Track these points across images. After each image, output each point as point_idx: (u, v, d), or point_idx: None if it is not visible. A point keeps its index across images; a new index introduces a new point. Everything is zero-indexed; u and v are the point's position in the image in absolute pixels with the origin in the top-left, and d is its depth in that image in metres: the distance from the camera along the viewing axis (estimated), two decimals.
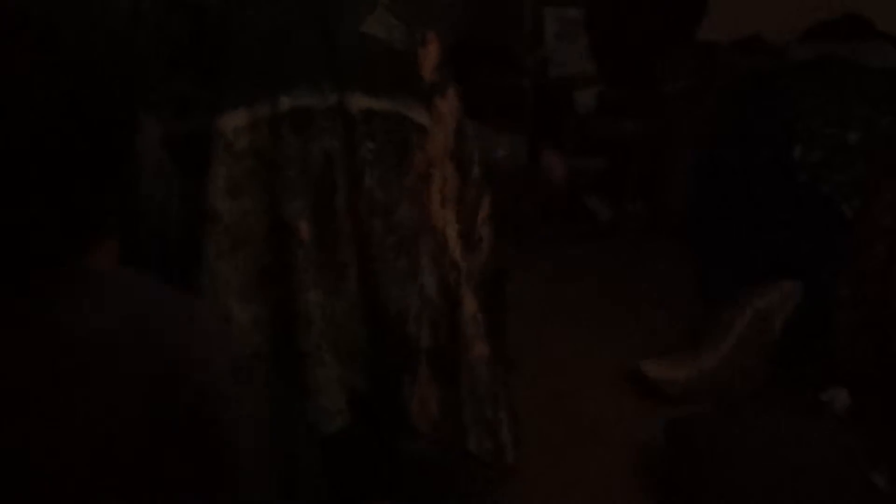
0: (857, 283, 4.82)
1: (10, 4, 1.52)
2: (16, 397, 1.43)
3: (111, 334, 1.50)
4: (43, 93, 1.49)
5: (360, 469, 3.55)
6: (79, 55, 1.59)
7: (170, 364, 1.47)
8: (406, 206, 3.23)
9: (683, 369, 4.70)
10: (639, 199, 7.09)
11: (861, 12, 6.37)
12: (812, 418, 4.17)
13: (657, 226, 6.89)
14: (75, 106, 1.54)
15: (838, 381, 4.71)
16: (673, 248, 6.41)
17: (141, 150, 3.76)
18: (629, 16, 6.83)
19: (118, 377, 1.47)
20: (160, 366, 1.48)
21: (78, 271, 1.55)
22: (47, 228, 1.52)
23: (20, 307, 1.49)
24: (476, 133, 3.48)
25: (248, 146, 3.16)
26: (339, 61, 3.21)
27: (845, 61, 6.06)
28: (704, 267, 5.99)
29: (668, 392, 4.65)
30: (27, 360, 1.47)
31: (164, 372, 1.47)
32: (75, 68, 1.57)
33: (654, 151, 6.91)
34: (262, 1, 3.23)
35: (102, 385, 1.46)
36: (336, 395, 3.27)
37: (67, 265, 1.55)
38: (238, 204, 3.19)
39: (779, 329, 4.81)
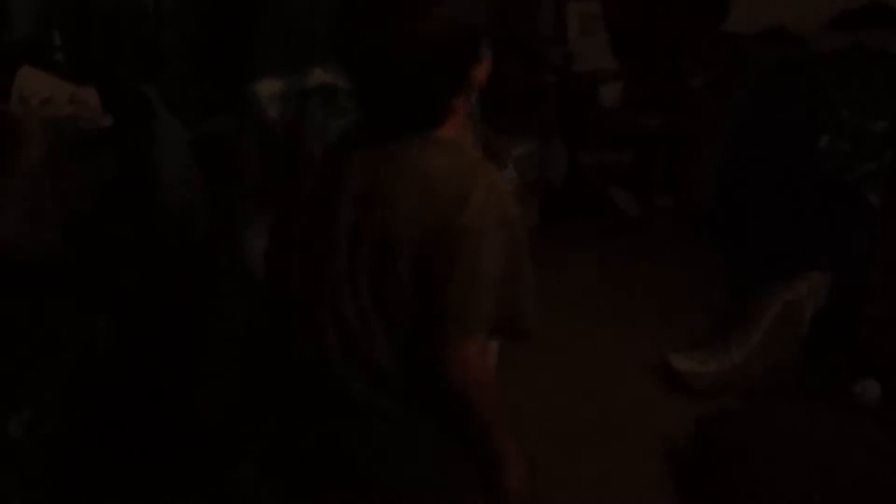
0: (886, 273, 4.79)
1: None
2: (386, 197, 2.37)
3: (437, 172, 2.32)
4: None
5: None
6: None
7: (462, 199, 2.29)
8: None
9: (713, 363, 4.68)
10: (666, 193, 7.07)
11: (885, 1, 6.33)
12: (843, 411, 4.15)
13: (685, 219, 6.88)
14: None
15: (868, 373, 4.69)
16: (700, 241, 6.40)
17: (167, 155, 3.79)
18: (648, 10, 6.80)
19: (435, 195, 2.30)
20: (458, 198, 2.29)
21: (432, 136, 2.39)
22: (428, 111, 2.37)
23: (396, 150, 2.38)
24: (496, 130, 3.50)
25: (279, 116, 3.33)
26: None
27: (871, 50, 6.02)
28: (732, 260, 5.98)
29: (697, 386, 4.64)
30: (392, 178, 2.37)
31: (459, 201, 2.28)
32: None
33: (681, 145, 6.88)
34: None
35: (426, 197, 2.31)
36: None
37: (427, 132, 2.39)
38: (268, 169, 3.37)
39: (808, 321, 4.78)
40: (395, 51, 2.28)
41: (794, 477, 3.59)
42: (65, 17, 4.56)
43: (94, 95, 3.75)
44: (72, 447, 3.62)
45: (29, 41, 4.31)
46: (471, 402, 2.38)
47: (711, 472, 3.88)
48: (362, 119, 2.52)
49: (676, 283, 5.83)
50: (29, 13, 4.41)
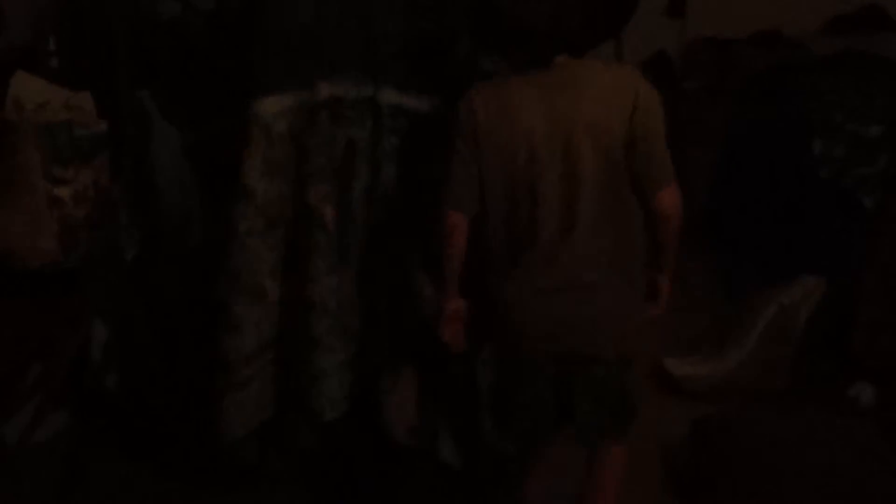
0: (881, 277, 4.79)
1: None
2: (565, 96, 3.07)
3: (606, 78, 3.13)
4: None
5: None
6: None
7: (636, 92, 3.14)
8: (418, 202, 3.35)
9: (708, 366, 4.69)
10: None
11: (881, 4, 6.34)
12: (837, 415, 4.15)
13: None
14: None
15: (863, 376, 4.70)
16: (696, 245, 6.40)
17: (162, 161, 3.79)
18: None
19: (609, 98, 3.07)
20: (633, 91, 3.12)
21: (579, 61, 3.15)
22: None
23: (565, 68, 3.10)
24: None
25: (287, 130, 3.32)
26: (376, 56, 3.36)
27: (866, 54, 6.03)
28: (727, 264, 5.98)
29: (692, 389, 4.65)
30: (560, 84, 3.08)
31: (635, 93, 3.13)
32: None
33: (675, 149, 6.88)
34: None
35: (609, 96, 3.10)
36: (342, 382, 3.42)
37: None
38: (273, 185, 3.35)
39: (803, 325, 4.79)
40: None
41: (790, 480, 3.59)
42: (60, 22, 4.56)
43: (90, 101, 3.75)
44: (68, 451, 3.63)
45: (24, 47, 4.31)
46: (676, 226, 3.35)
47: (708, 476, 3.88)
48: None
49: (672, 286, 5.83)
50: (24, 19, 4.40)
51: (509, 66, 3.26)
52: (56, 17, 4.56)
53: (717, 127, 6.58)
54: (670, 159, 3.30)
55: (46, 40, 4.33)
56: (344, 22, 3.36)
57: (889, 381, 4.67)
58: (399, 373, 3.51)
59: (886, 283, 4.79)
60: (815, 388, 4.70)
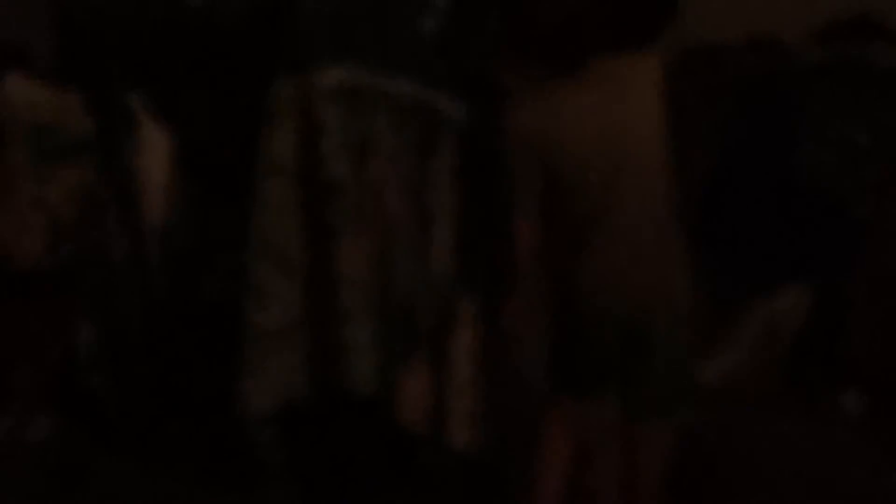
0: (870, 285, 4.80)
1: None
2: None
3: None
4: None
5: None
6: None
7: None
8: (431, 193, 3.43)
9: (697, 375, 4.69)
10: None
11: (872, 13, 6.35)
12: (827, 422, 4.15)
13: None
14: None
15: (853, 384, 4.70)
16: (688, 250, 6.40)
17: (149, 163, 3.79)
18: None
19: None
20: None
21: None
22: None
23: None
24: None
25: (309, 108, 3.39)
26: (391, 48, 3.44)
27: (856, 63, 6.04)
28: (718, 269, 5.98)
29: None
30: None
31: None
32: None
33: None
34: None
35: None
36: (371, 357, 3.46)
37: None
38: (304, 159, 3.41)
39: (792, 332, 4.79)
40: None
41: (778, 485, 3.59)
42: (49, 24, 4.56)
43: (77, 102, 3.75)
44: (56, 450, 3.63)
45: (14, 48, 4.30)
46: None
47: (695, 480, 3.88)
48: None
49: None
50: (13, 20, 4.40)
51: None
52: (45, 17, 4.56)
53: (709, 132, 6.59)
54: None
55: (35, 41, 4.33)
56: (359, 11, 3.45)
57: (878, 389, 4.67)
58: (412, 359, 3.52)
59: (876, 291, 4.80)
60: (804, 394, 4.71)
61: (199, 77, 4.09)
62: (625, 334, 3.26)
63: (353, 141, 3.41)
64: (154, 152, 3.81)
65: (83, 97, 3.79)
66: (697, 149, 6.54)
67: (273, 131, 3.41)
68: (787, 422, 4.14)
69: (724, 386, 4.66)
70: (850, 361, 4.81)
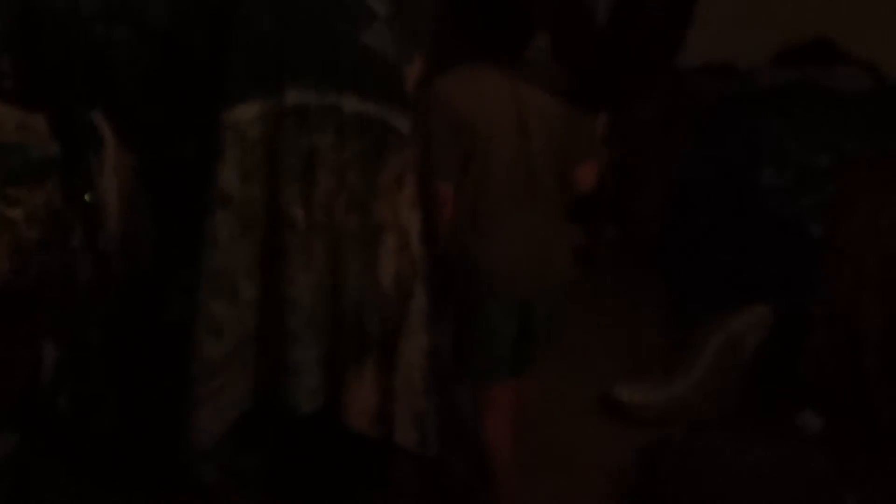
0: (828, 305, 4.84)
1: None
2: None
3: None
4: None
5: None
6: None
7: None
8: (380, 204, 3.50)
9: (656, 394, 4.72)
10: (612, 225, 7.11)
11: (830, 37, 6.41)
12: (785, 442, 4.18)
13: (630, 251, 6.92)
14: None
15: (811, 404, 4.74)
16: (645, 273, 6.44)
17: (115, 183, 3.79)
18: (601, 47, 6.81)
19: None
20: None
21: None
22: None
23: None
24: None
25: (259, 135, 3.43)
26: (338, 64, 3.48)
27: (815, 85, 6.09)
28: (676, 292, 6.02)
29: (641, 416, 4.67)
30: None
31: None
32: None
33: (627, 177, 6.92)
34: (268, 3, 3.48)
35: None
36: (315, 375, 3.53)
37: None
38: (247, 189, 3.46)
39: (751, 352, 4.83)
40: None
41: None
42: (13, 43, 4.54)
43: (43, 123, 3.73)
44: (17, 472, 3.62)
45: None
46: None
47: (656, 502, 3.90)
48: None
49: (620, 314, 5.87)
50: None
51: None
52: (9, 37, 4.55)
53: (669, 155, 6.63)
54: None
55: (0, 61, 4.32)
56: (304, 30, 3.48)
57: (836, 409, 4.71)
58: (363, 365, 3.58)
59: (834, 312, 4.84)
60: (762, 415, 4.74)
61: (160, 98, 4.12)
62: (515, 315, 3.83)
63: (301, 160, 3.47)
64: (118, 173, 3.81)
65: (48, 117, 3.78)
66: (658, 171, 6.59)
67: (219, 162, 3.45)
68: (745, 442, 4.16)
69: (684, 406, 4.69)
70: (808, 381, 4.85)
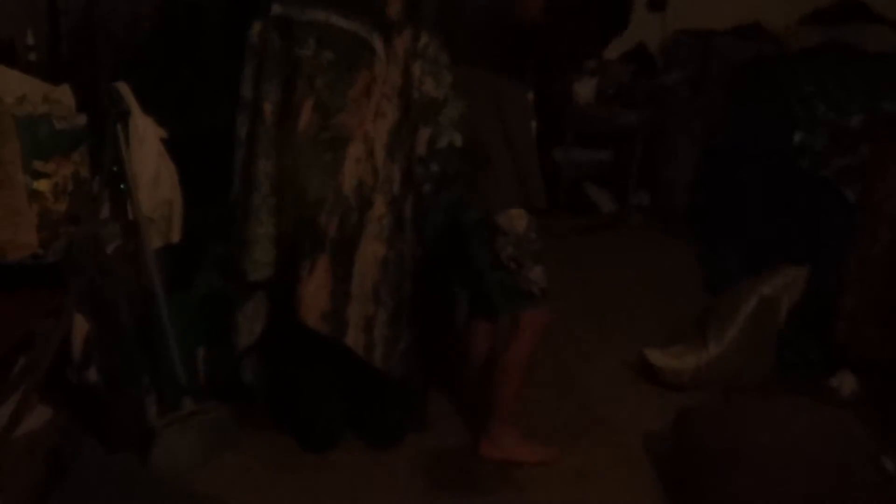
0: (862, 267, 4.80)
1: None
2: None
3: None
4: None
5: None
6: None
7: None
8: (345, 113, 3.73)
9: (690, 358, 4.69)
10: (642, 190, 7.09)
11: None
12: (820, 406, 4.15)
13: (660, 216, 6.90)
14: None
15: (845, 366, 4.71)
16: (677, 237, 6.42)
17: (143, 154, 3.79)
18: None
19: None
20: None
21: None
22: None
23: None
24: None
25: (257, 45, 3.79)
26: None
27: (845, 46, 6.05)
28: (709, 255, 5.99)
29: (674, 380, 4.65)
30: None
31: None
32: None
33: (656, 142, 6.89)
34: None
35: None
36: (267, 249, 3.90)
37: None
38: (246, 90, 3.85)
39: (784, 315, 4.79)
40: None
41: (773, 470, 3.59)
42: (38, 16, 4.54)
43: (69, 94, 3.73)
44: (50, 445, 3.63)
45: (2, 41, 4.29)
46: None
47: (691, 466, 3.88)
48: None
49: (653, 278, 5.85)
50: (1, 13, 4.38)
51: None
52: (34, 10, 4.55)
53: (697, 119, 6.60)
54: None
55: (25, 34, 4.32)
56: None
57: (870, 371, 4.68)
58: (315, 259, 3.78)
59: (867, 274, 4.80)
60: (796, 378, 4.72)
61: (187, 68, 4.12)
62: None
63: (280, 66, 3.78)
64: (145, 144, 3.80)
65: (75, 90, 3.78)
66: (687, 135, 6.56)
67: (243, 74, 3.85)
68: (779, 405, 4.13)
69: (718, 370, 4.67)
70: (842, 343, 4.82)
